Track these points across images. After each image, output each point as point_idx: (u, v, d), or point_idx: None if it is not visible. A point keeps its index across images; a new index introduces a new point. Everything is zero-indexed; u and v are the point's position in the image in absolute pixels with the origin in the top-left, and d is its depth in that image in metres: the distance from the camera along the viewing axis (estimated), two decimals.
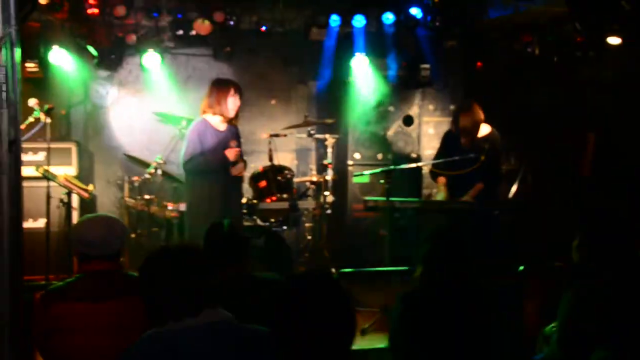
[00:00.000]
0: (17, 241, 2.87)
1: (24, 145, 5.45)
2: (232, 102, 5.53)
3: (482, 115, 5.71)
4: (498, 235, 6.12)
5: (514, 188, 7.14)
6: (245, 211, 6.17)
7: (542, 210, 6.29)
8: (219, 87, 5.57)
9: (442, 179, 5.88)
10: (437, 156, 6.04)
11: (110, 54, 6.97)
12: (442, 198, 5.85)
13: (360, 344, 4.63)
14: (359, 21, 7.23)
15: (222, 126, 5.60)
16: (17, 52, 2.96)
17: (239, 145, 5.65)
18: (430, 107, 7.52)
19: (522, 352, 3.83)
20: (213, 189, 5.50)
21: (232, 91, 5.53)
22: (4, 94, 2.84)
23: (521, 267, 4.82)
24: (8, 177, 2.89)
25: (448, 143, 5.96)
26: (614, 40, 6.35)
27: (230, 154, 5.51)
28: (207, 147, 5.49)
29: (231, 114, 5.56)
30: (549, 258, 6.02)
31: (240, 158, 5.63)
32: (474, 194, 5.79)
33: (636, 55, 6.51)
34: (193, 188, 5.63)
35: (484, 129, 5.84)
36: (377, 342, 4.65)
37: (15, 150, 2.94)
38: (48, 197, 5.67)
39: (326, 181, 6.49)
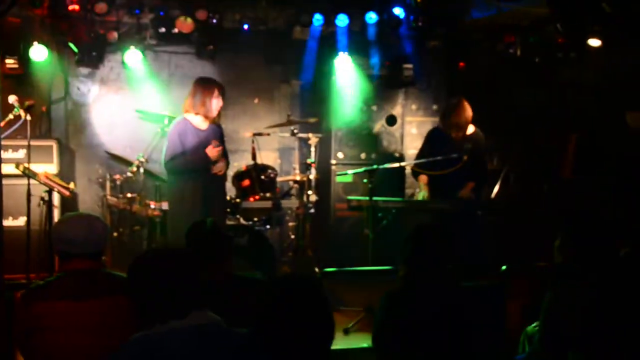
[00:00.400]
0: None
1: (4, 142, 5.44)
2: (216, 103, 5.52)
3: (471, 112, 5.79)
4: (480, 235, 6.17)
5: (496, 188, 7.19)
6: (228, 210, 6.15)
7: (524, 211, 6.31)
8: (203, 87, 5.54)
9: (423, 178, 5.93)
10: (420, 155, 6.08)
11: (92, 51, 6.88)
12: (423, 197, 5.89)
13: (344, 343, 4.63)
14: (342, 20, 7.22)
15: (203, 125, 5.58)
16: None
17: (221, 144, 5.63)
18: (413, 106, 7.54)
19: (504, 352, 3.86)
20: (195, 188, 5.47)
21: (216, 92, 5.51)
22: None
23: (504, 267, 4.83)
24: None
25: (434, 141, 5.99)
26: (594, 42, 6.42)
27: (211, 152, 5.48)
28: (188, 146, 5.48)
29: (214, 114, 5.55)
30: (532, 258, 6.08)
31: (222, 157, 5.60)
32: (468, 191, 5.86)
33: (617, 57, 6.57)
34: (174, 187, 5.61)
35: (469, 129, 5.90)
36: (361, 341, 4.64)
37: None
38: (29, 195, 5.59)
39: (309, 180, 6.46)
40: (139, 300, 2.35)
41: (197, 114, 5.52)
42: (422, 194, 5.94)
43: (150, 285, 2.33)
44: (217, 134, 5.66)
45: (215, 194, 5.61)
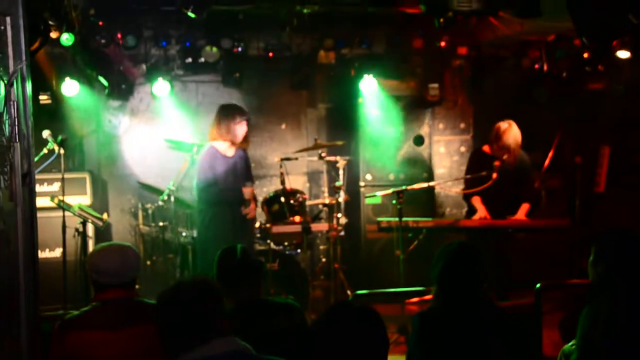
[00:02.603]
0: (33, 275, 2.87)
1: (39, 176, 5.57)
2: (240, 129, 5.60)
3: (520, 135, 5.87)
4: (514, 253, 6.12)
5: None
6: (258, 235, 6.19)
7: (558, 228, 6.23)
8: (227, 114, 5.65)
9: (476, 199, 5.99)
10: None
11: (121, 83, 6.99)
12: (481, 216, 5.94)
13: None
14: (365, 43, 7.23)
15: (230, 152, 5.67)
16: (28, 86, 2.98)
17: (246, 168, 5.70)
18: (441, 126, 7.52)
19: None
20: (224, 213, 5.54)
21: (238, 118, 5.60)
22: (15, 128, 2.86)
23: (538, 285, 4.77)
24: (22, 209, 2.89)
25: (478, 162, 6.04)
26: (623, 54, 6.34)
27: (248, 193, 5.66)
28: (218, 173, 5.54)
29: (239, 139, 5.63)
30: (566, 275, 5.99)
31: (253, 199, 5.71)
32: (522, 215, 5.94)
33: None
34: (204, 214, 5.70)
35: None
36: None
37: (29, 182, 2.95)
38: (64, 227, 5.65)
39: (338, 203, 6.45)
40: (164, 329, 2.36)
41: (224, 140, 5.59)
42: (480, 213, 5.97)
43: (174, 316, 2.34)
44: (243, 159, 5.75)
45: (243, 219, 5.66)
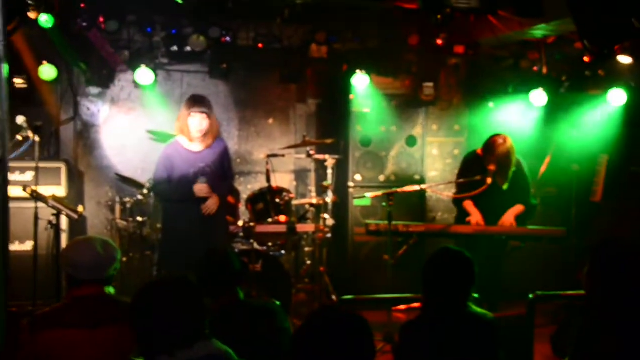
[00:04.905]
0: (3, 266, 2.85)
1: (11, 164, 5.43)
2: (192, 122, 5.30)
3: (514, 151, 5.79)
4: (506, 261, 6.04)
5: None
6: (241, 234, 6.08)
7: (553, 237, 6.13)
8: (184, 106, 5.38)
9: (469, 203, 5.88)
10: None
11: (102, 70, 6.87)
12: (477, 220, 5.85)
13: None
14: (359, 38, 7.12)
15: (197, 147, 5.39)
16: (5, 68, 2.93)
17: (219, 165, 5.44)
18: (434, 127, 7.38)
19: None
20: (187, 214, 5.35)
21: (188, 110, 5.31)
22: None
23: (531, 295, 4.64)
24: None
25: (472, 166, 5.93)
26: (625, 59, 6.24)
27: (199, 190, 5.30)
28: (176, 170, 5.36)
29: (195, 135, 5.34)
30: (561, 286, 5.89)
31: (212, 193, 5.39)
32: (510, 219, 5.84)
33: None
34: (165, 213, 5.57)
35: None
36: None
37: (2, 169, 2.92)
38: (36, 218, 5.59)
39: (326, 203, 6.35)
40: (141, 331, 2.32)
41: (183, 135, 5.38)
42: (474, 217, 5.86)
43: (153, 317, 2.30)
44: (218, 154, 5.46)
45: (212, 219, 5.41)
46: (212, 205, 5.39)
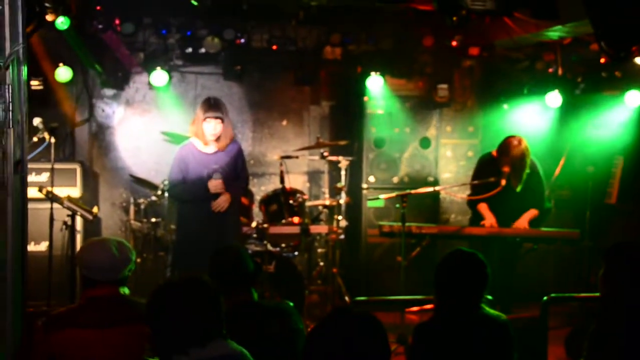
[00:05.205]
0: (22, 267, 2.84)
1: (27, 165, 5.38)
2: (207, 127, 5.30)
3: (529, 153, 5.78)
4: (519, 263, 6.01)
5: None
6: (255, 236, 6.05)
7: (567, 239, 6.08)
8: (199, 109, 5.38)
9: (483, 206, 5.86)
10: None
11: (117, 71, 6.89)
12: (491, 223, 5.82)
13: None
14: (373, 39, 7.06)
15: (210, 149, 5.39)
16: (24, 70, 2.92)
17: (232, 167, 5.44)
18: (448, 128, 7.35)
19: None
20: (200, 215, 5.33)
21: (203, 115, 5.30)
22: (10, 113, 2.80)
23: (545, 298, 4.62)
24: (13, 199, 2.85)
25: (486, 168, 5.91)
26: None
27: (213, 186, 5.31)
28: (190, 172, 5.35)
29: (209, 138, 5.34)
30: (576, 288, 5.86)
31: (225, 190, 5.37)
32: (525, 223, 5.81)
33: None
34: (179, 214, 5.55)
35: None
36: None
37: (21, 171, 2.91)
38: (51, 219, 5.59)
39: (339, 205, 6.32)
40: (157, 331, 2.32)
41: (198, 138, 5.38)
42: (488, 221, 5.84)
43: (167, 317, 2.30)
44: (232, 156, 5.45)
45: (224, 219, 5.40)
46: (222, 202, 5.35)
